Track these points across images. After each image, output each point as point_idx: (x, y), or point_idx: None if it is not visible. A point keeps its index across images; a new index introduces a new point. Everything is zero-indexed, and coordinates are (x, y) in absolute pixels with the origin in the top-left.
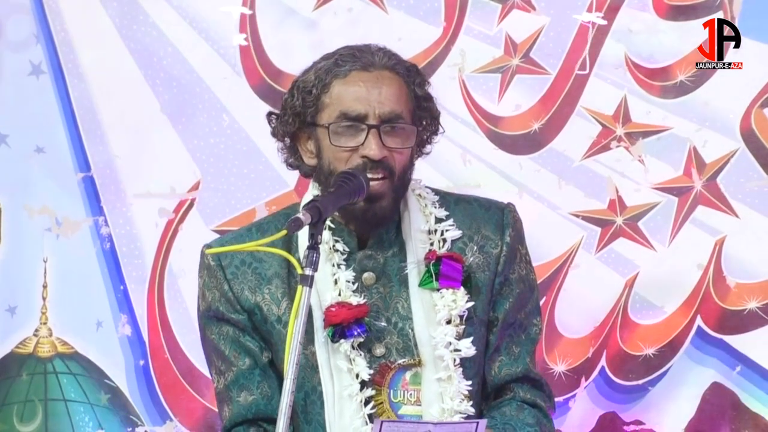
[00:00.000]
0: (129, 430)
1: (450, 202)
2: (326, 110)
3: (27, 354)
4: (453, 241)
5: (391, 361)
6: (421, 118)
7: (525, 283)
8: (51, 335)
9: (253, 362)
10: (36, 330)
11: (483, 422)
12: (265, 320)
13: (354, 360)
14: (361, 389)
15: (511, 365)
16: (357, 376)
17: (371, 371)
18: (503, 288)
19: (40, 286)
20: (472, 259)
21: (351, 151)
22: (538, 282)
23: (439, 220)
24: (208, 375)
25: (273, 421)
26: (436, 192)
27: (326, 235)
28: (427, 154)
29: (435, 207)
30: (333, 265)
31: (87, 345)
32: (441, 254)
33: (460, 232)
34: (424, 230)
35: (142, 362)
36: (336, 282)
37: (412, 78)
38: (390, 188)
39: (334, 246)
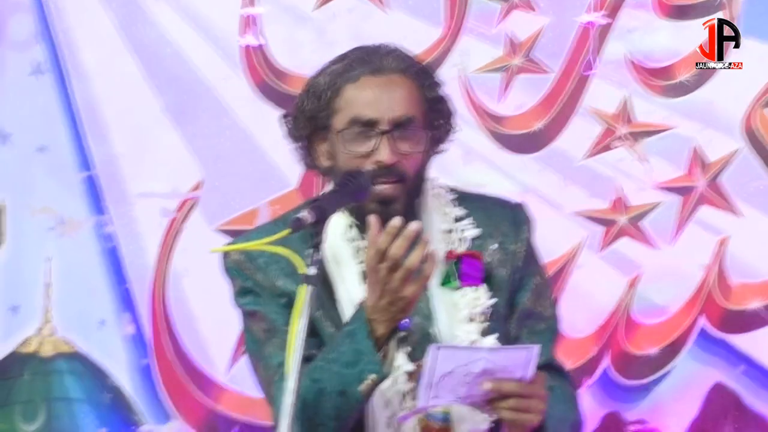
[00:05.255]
0: (132, 429)
1: (466, 199)
2: (338, 115)
3: (29, 353)
4: (473, 239)
5: (417, 359)
6: (433, 120)
7: (541, 276)
8: (53, 334)
9: None
10: (38, 329)
11: (536, 348)
12: None
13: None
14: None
15: None
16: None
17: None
18: (521, 282)
19: (42, 285)
20: (491, 256)
21: (363, 157)
22: None
23: (457, 219)
24: (211, 375)
25: None
26: (453, 190)
27: (353, 232)
28: (443, 152)
29: (453, 206)
30: (360, 263)
31: (89, 344)
32: (460, 253)
33: (480, 230)
34: (444, 230)
35: (144, 361)
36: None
37: (423, 80)
38: (403, 191)
39: (361, 244)
